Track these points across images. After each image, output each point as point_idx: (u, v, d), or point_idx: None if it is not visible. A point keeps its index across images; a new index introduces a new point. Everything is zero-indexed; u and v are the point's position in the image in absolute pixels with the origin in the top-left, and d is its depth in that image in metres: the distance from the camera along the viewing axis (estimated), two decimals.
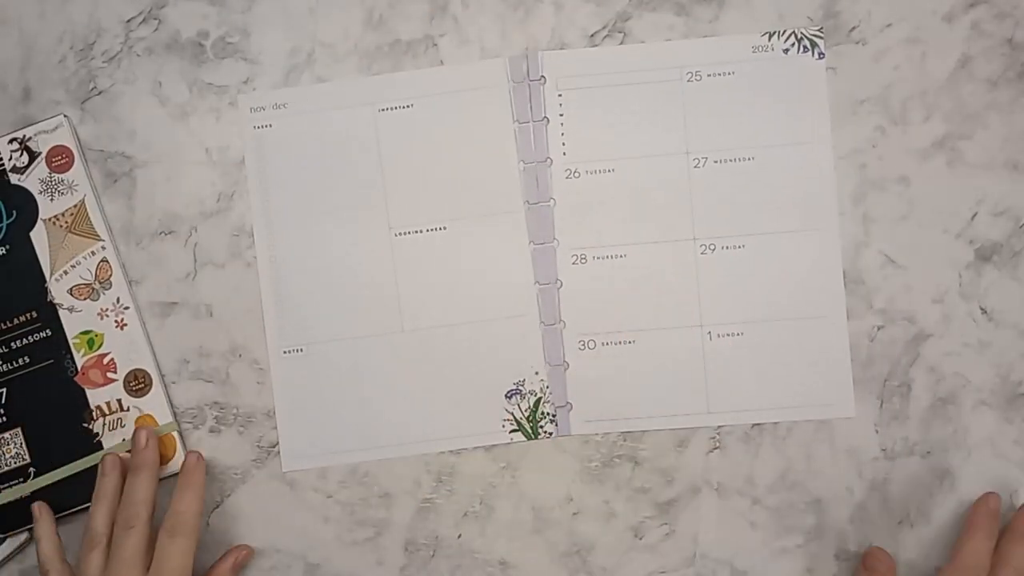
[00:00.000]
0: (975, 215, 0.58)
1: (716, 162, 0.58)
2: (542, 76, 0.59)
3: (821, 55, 0.58)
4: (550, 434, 0.59)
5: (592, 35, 0.59)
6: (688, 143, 0.58)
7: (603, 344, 0.58)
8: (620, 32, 0.59)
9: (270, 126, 0.59)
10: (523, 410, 0.59)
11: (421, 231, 0.59)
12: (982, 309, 0.58)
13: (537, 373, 0.59)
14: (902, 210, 0.58)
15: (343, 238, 0.59)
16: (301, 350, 0.59)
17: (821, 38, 0.58)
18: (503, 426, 0.59)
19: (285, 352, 0.59)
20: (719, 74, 0.58)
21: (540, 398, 0.59)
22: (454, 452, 0.59)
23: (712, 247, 0.58)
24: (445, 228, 0.59)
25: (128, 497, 0.54)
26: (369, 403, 0.59)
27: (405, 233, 0.59)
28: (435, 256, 0.59)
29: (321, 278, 0.59)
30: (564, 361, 0.59)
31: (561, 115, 0.59)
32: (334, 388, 0.59)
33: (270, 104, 0.60)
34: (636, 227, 0.59)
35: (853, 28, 0.58)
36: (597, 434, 0.59)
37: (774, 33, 0.58)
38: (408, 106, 0.59)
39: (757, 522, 0.58)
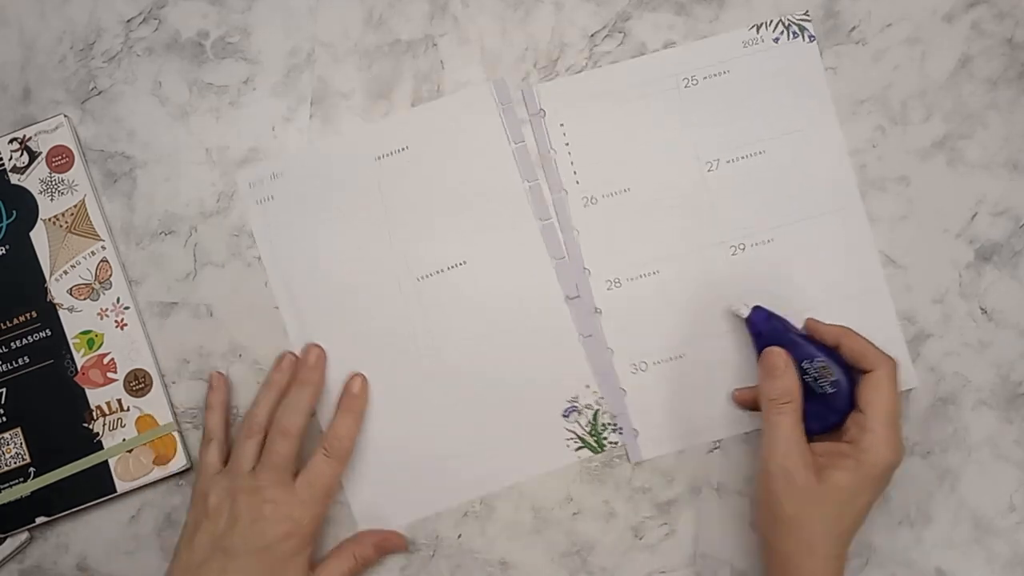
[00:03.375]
0: (975, 215, 0.58)
1: (728, 162, 0.58)
2: (541, 110, 0.58)
3: (811, 37, 0.58)
4: (615, 443, 0.58)
5: (592, 35, 0.59)
6: (697, 148, 0.58)
7: (654, 363, 0.58)
8: (620, 32, 0.59)
9: (272, 198, 0.59)
10: (583, 425, 0.58)
11: (442, 270, 0.58)
12: (982, 309, 0.58)
13: (588, 386, 0.58)
14: (902, 210, 0.58)
15: (367, 293, 0.58)
16: None
17: (808, 21, 0.58)
18: (567, 445, 0.58)
19: None
20: (715, 75, 0.58)
21: (597, 410, 0.58)
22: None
23: (741, 246, 0.58)
24: (465, 263, 0.58)
25: (288, 405, 0.55)
26: (428, 454, 0.58)
27: (427, 276, 0.58)
28: (460, 292, 0.58)
29: (352, 339, 0.59)
30: (620, 388, 0.58)
31: (567, 144, 0.58)
32: (390, 447, 0.58)
33: (267, 175, 0.59)
34: (663, 242, 0.58)
35: (853, 28, 0.58)
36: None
37: (761, 25, 0.58)
38: (404, 148, 0.59)
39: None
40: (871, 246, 0.58)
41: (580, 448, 0.58)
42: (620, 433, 0.58)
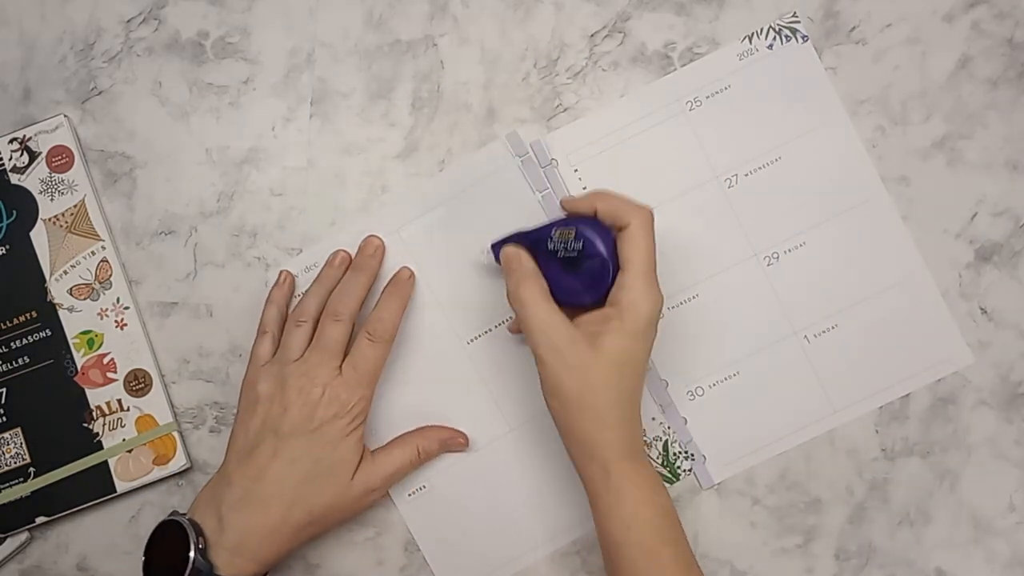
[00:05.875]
0: (975, 215, 0.58)
1: (746, 175, 0.58)
2: (552, 159, 0.58)
3: (804, 38, 0.58)
4: (689, 470, 0.58)
5: (592, 35, 0.59)
6: (713, 167, 0.58)
7: (709, 387, 0.58)
8: (620, 32, 0.59)
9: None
10: (655, 458, 0.58)
11: (489, 330, 0.58)
12: (982, 309, 0.58)
13: (654, 419, 0.58)
14: (902, 210, 0.58)
15: (419, 362, 0.58)
16: (424, 487, 0.59)
17: (798, 22, 0.58)
18: None
19: (410, 495, 0.59)
20: (716, 92, 0.58)
21: (666, 440, 0.58)
22: None
23: (775, 256, 0.58)
24: (510, 318, 0.58)
25: (342, 290, 0.56)
26: (502, 513, 0.58)
27: (475, 338, 0.58)
28: (510, 347, 0.58)
29: (415, 408, 0.58)
30: (681, 417, 0.58)
31: (584, 188, 0.58)
32: (466, 511, 0.59)
33: (301, 269, 0.59)
34: (695, 266, 0.58)
35: (853, 28, 0.58)
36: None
37: (752, 34, 0.58)
38: (429, 216, 0.58)
39: (757, 522, 0.58)
40: (903, 232, 0.58)
41: None
42: (692, 460, 0.58)
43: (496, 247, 0.55)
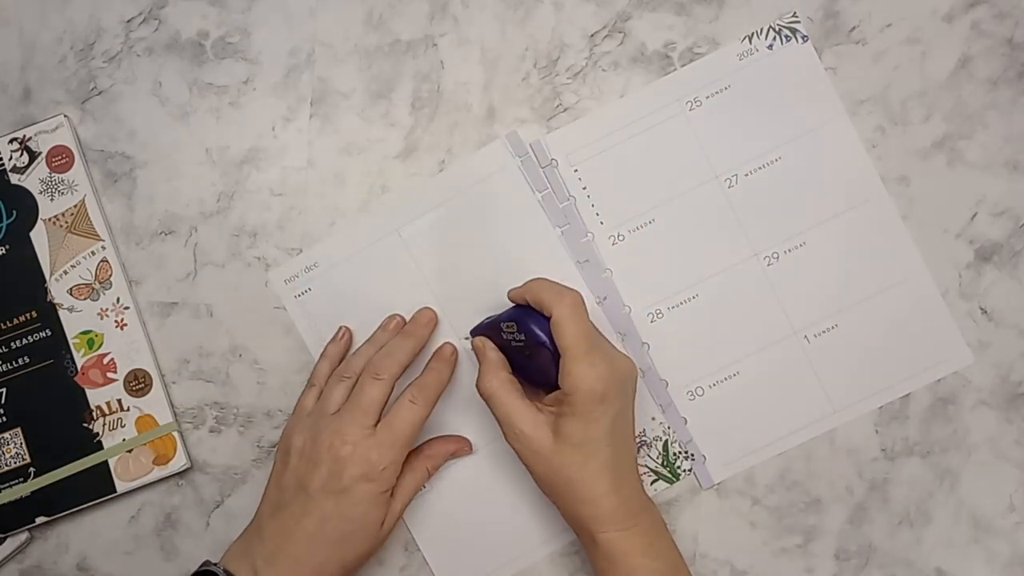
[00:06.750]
0: (975, 215, 0.58)
1: (746, 175, 0.58)
2: (552, 159, 0.58)
3: (804, 38, 0.58)
4: (689, 470, 0.58)
5: (592, 35, 0.59)
6: (713, 168, 0.58)
7: (709, 387, 0.58)
8: (620, 32, 0.59)
9: (310, 290, 0.59)
10: (655, 458, 0.58)
11: None
12: (982, 309, 0.58)
13: (654, 419, 0.58)
14: (902, 210, 0.58)
15: (418, 362, 0.57)
16: (424, 487, 0.59)
17: (798, 22, 0.58)
18: (642, 481, 0.57)
19: None
20: (716, 92, 0.58)
21: (666, 440, 0.58)
22: None
23: (775, 255, 0.58)
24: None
25: (388, 350, 0.56)
26: (502, 513, 0.59)
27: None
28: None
29: None
30: (681, 417, 0.58)
31: (584, 188, 0.58)
32: (465, 511, 0.59)
33: (301, 269, 0.59)
34: (696, 266, 0.58)
35: (853, 28, 0.58)
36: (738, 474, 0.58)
37: (752, 34, 0.58)
38: (429, 216, 0.59)
39: (757, 522, 0.58)
40: (902, 231, 0.58)
41: (655, 481, 0.58)
42: (692, 460, 0.58)
43: (473, 334, 0.56)
